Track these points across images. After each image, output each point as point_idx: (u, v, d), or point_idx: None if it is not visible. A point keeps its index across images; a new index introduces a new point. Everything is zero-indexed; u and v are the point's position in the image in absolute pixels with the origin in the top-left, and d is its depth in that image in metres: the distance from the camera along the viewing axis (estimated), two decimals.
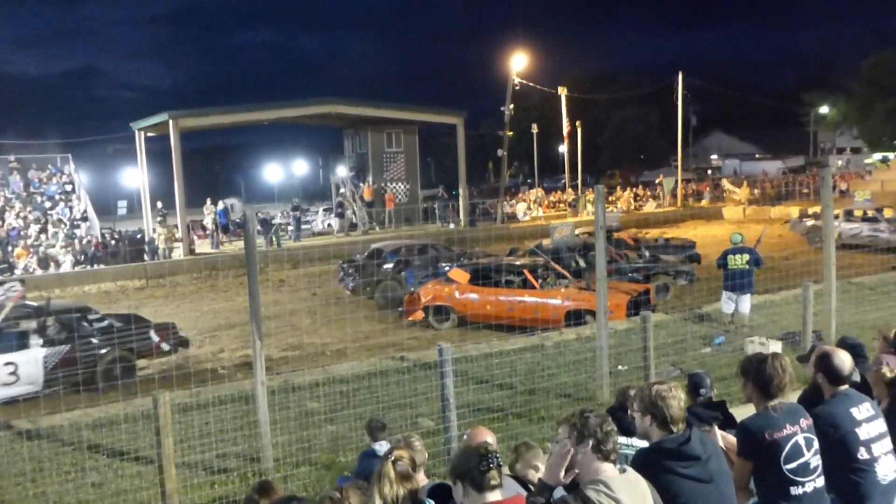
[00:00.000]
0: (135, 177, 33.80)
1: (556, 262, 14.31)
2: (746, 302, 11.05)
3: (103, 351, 10.61)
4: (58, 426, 7.83)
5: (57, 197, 28.33)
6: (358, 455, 5.65)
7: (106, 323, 11.18)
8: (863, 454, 3.44)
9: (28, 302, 10.93)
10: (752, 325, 11.05)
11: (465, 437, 3.82)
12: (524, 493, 3.12)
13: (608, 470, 2.67)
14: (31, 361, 9.81)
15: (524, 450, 3.81)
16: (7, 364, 9.57)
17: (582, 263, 15.27)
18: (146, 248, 25.20)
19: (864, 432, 3.47)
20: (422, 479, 3.48)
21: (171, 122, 26.52)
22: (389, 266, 16.69)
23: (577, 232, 16.34)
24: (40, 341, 10.14)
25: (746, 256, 11.19)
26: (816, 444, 3.33)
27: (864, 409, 3.54)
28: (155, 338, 11.41)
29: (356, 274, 16.70)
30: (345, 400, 7.97)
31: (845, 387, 3.63)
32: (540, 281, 13.21)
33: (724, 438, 3.72)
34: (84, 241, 24.51)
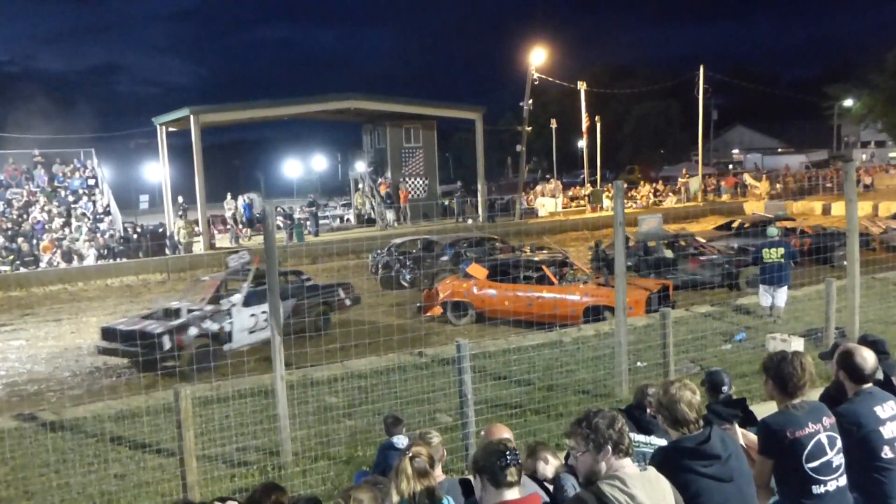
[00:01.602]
0: (156, 171, 34.15)
1: (645, 253, 15.00)
2: (783, 295, 11.15)
3: (313, 304, 13.18)
4: (81, 418, 7.95)
5: (80, 191, 28.68)
6: (376, 449, 5.67)
7: (312, 283, 13.80)
8: (887, 453, 3.40)
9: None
10: (761, 322, 10.96)
11: (482, 433, 3.82)
12: (541, 493, 3.12)
13: (626, 466, 2.66)
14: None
15: (534, 445, 3.84)
16: (263, 312, 11.74)
17: (670, 254, 15.30)
18: (167, 242, 25.47)
19: (888, 431, 3.42)
20: (439, 475, 3.49)
21: (192, 117, 26.77)
22: (446, 258, 17.05)
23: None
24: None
25: (781, 250, 11.31)
26: (839, 443, 3.28)
27: (888, 408, 3.49)
28: (342, 294, 13.88)
29: (414, 266, 17.02)
30: (363, 395, 8.01)
31: (869, 385, 3.58)
32: (558, 276, 13.17)
33: (745, 436, 3.69)
34: (107, 235, 24.81)
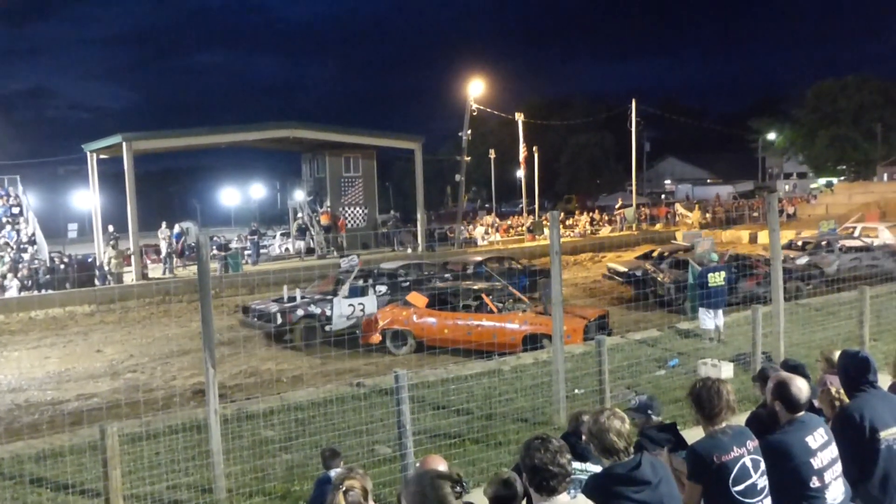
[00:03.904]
0: (86, 199, 33.05)
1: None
2: (721, 316, 11.72)
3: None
4: None
5: (3, 219, 27.52)
6: (313, 484, 5.56)
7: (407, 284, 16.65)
8: (815, 483, 3.44)
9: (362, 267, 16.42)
10: (705, 346, 11.28)
11: (417, 465, 3.77)
12: None
13: (558, 498, 2.68)
14: (370, 304, 14.31)
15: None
16: (359, 304, 14.09)
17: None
18: (97, 272, 24.57)
19: (817, 461, 3.47)
20: None
21: (124, 144, 26.03)
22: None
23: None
24: (374, 291, 15.39)
25: (724, 274, 12.01)
26: (763, 466, 3.38)
27: (818, 437, 3.54)
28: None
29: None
30: (301, 428, 7.84)
31: (801, 413, 3.62)
32: (498, 305, 13.26)
33: (675, 461, 3.76)
34: (31, 267, 23.79)
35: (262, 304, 15.68)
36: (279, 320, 14.49)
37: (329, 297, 14.78)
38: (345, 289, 14.85)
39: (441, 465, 3.39)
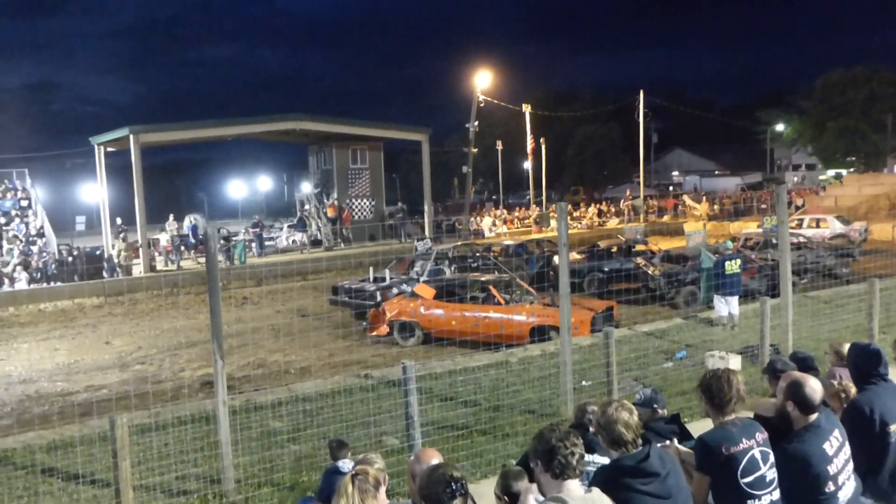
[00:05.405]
0: (94, 192, 33.19)
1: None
2: (736, 303, 11.82)
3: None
4: (10, 449, 7.60)
5: (13, 212, 27.66)
6: (321, 474, 5.58)
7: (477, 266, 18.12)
8: (830, 487, 3.42)
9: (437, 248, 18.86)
10: (713, 339, 11.26)
11: (411, 458, 3.73)
12: None
13: (572, 489, 2.68)
14: None
15: (507, 472, 3.72)
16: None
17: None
18: (105, 264, 24.68)
19: (833, 467, 3.43)
20: (383, 500, 3.43)
21: (131, 136, 26.13)
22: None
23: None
24: (451, 272, 17.05)
25: (739, 262, 12.15)
26: (772, 458, 3.37)
27: (834, 441, 3.48)
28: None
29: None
30: (309, 419, 7.87)
31: (815, 416, 3.53)
32: (505, 296, 13.26)
33: (682, 452, 3.75)
34: (40, 259, 23.91)
35: (351, 283, 16.97)
36: (378, 297, 15.41)
37: (414, 278, 16.58)
38: (426, 270, 16.73)
39: (436, 459, 3.35)
